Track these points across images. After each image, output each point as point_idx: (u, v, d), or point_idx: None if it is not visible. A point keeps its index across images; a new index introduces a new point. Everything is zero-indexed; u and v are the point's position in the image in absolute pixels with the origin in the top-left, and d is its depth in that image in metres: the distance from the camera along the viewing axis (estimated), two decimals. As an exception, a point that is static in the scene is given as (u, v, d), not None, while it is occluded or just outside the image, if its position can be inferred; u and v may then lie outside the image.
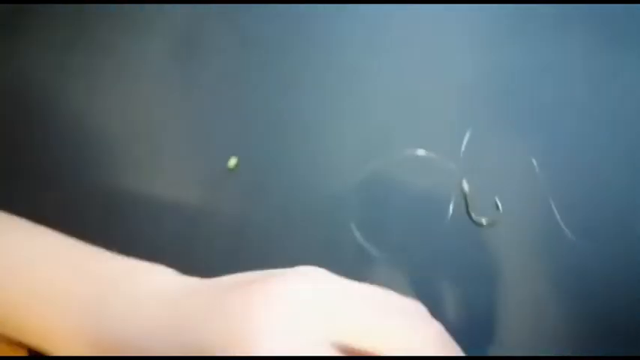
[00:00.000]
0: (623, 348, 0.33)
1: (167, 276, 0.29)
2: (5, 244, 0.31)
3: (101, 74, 0.43)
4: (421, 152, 0.39)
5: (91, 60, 0.43)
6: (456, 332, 0.25)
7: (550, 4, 0.42)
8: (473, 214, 0.37)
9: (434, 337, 0.24)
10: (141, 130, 0.41)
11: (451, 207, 0.37)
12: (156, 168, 0.40)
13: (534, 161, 0.37)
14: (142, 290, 0.28)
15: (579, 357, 0.34)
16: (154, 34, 0.44)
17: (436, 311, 0.27)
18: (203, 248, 0.38)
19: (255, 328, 0.23)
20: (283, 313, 0.24)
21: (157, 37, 0.44)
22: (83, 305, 0.28)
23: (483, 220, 0.37)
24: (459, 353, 0.25)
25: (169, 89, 0.42)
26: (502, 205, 0.37)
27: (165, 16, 0.44)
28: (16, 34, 0.45)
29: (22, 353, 0.32)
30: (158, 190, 0.39)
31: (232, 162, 0.39)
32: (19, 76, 0.43)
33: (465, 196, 0.37)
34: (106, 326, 0.27)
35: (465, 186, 0.37)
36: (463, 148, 0.38)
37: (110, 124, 0.41)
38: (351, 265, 0.36)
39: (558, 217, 0.36)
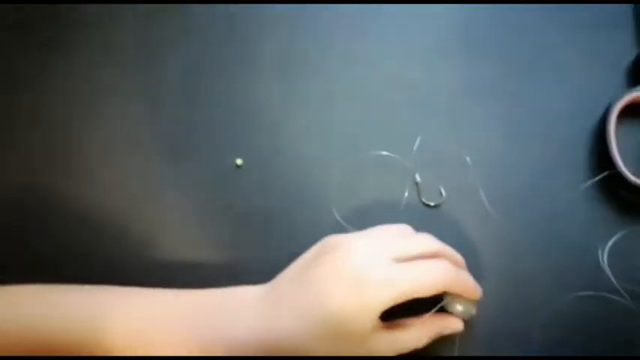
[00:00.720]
0: (532, 299, 0.45)
1: (249, 291, 0.39)
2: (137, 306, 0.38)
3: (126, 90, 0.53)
4: (384, 153, 0.50)
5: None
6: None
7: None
8: (424, 199, 0.48)
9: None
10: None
11: (406, 194, 0.49)
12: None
13: (468, 159, 0.49)
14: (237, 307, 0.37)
15: (579, 357, 0.43)
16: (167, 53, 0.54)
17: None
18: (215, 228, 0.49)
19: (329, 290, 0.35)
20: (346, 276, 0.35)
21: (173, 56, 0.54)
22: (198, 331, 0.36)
23: (431, 203, 0.48)
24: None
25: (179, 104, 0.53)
26: (445, 192, 0.48)
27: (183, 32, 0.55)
28: None
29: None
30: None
31: (239, 161, 0.50)
32: None
33: (417, 186, 0.49)
34: (218, 338, 0.36)
35: (418, 178, 0.49)
36: (415, 149, 0.49)
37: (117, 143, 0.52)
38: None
39: (485, 200, 0.47)
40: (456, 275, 0.37)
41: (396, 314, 0.38)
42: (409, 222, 0.46)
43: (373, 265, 0.35)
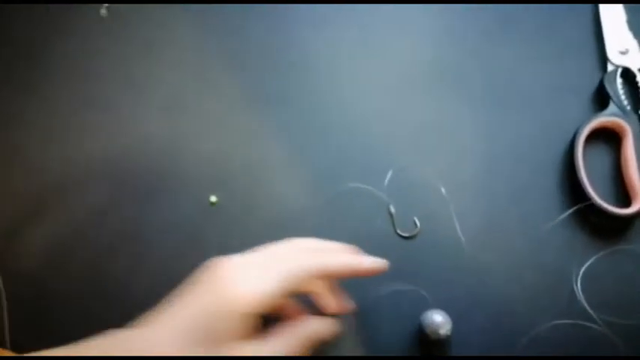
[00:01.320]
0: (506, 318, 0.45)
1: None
2: None
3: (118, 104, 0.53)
4: (358, 185, 0.50)
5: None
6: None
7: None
8: (398, 230, 0.49)
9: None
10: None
11: (379, 224, 0.49)
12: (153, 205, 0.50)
13: (443, 189, 0.50)
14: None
15: (579, 357, 0.43)
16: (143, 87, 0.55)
17: (370, 304, 0.39)
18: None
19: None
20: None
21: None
22: None
23: (406, 234, 0.49)
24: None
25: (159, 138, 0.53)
26: (420, 222, 0.49)
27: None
28: None
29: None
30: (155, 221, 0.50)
31: (213, 198, 0.50)
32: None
33: (392, 217, 0.49)
34: None
35: (392, 209, 0.49)
36: (387, 181, 0.50)
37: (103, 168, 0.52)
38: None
39: (459, 229, 0.48)
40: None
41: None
42: (384, 253, 0.46)
43: (240, 272, 0.35)
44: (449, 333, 0.43)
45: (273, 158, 0.52)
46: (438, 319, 0.43)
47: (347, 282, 0.43)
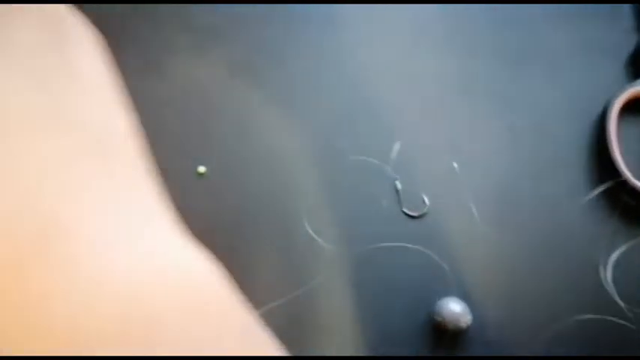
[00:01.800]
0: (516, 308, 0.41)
1: None
2: None
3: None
4: (362, 158, 0.45)
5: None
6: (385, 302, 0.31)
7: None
8: (405, 209, 0.43)
9: None
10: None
11: (385, 203, 0.44)
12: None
13: (455, 164, 0.44)
14: None
15: (579, 357, 0.39)
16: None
17: (377, 291, 0.34)
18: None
19: None
20: None
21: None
22: None
23: (413, 213, 0.43)
24: None
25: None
26: (429, 200, 0.44)
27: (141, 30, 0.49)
28: None
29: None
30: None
31: (201, 169, 0.45)
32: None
33: (398, 194, 0.44)
34: None
35: (399, 186, 0.44)
36: (395, 154, 0.44)
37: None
38: (302, 254, 0.42)
39: (474, 210, 0.43)
40: None
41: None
42: (389, 234, 0.41)
43: None
44: (469, 323, 0.38)
45: (269, 127, 0.46)
46: (457, 309, 0.39)
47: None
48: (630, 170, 0.42)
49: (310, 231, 0.43)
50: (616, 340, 0.39)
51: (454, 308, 0.39)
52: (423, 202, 0.44)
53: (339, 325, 0.41)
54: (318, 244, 0.42)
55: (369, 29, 0.48)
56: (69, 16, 0.24)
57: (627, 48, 0.47)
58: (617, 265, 0.40)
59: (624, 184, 0.41)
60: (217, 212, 0.44)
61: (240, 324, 0.22)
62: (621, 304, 0.39)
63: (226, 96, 0.46)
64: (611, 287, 0.40)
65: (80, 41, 0.23)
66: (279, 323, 0.32)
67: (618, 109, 0.44)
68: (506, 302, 0.41)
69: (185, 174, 0.44)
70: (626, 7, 0.48)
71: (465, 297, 0.40)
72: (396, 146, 0.44)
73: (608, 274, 0.40)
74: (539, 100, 0.46)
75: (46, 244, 0.18)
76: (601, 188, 0.42)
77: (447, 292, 0.41)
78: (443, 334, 0.40)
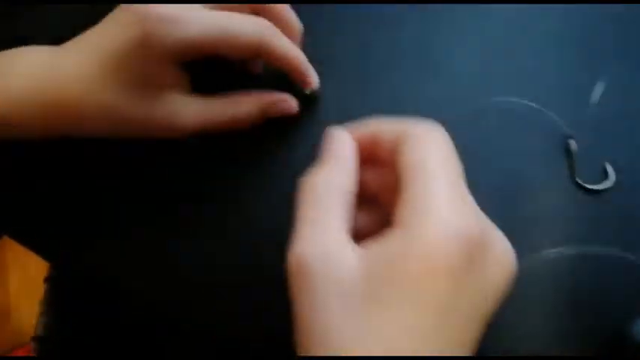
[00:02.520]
0: None
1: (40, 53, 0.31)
2: None
3: None
4: (520, 101, 0.33)
5: None
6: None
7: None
8: (579, 180, 0.32)
9: None
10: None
11: (551, 165, 0.32)
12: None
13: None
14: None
15: (579, 357, 0.31)
16: None
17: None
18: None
19: None
20: None
21: None
22: None
23: (592, 187, 0.32)
24: None
25: None
26: (614, 171, 0.32)
27: None
28: None
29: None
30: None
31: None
32: None
33: (571, 158, 0.32)
34: None
35: (573, 146, 0.32)
36: (595, 100, 0.33)
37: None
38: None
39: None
40: (274, 35, 0.31)
41: None
42: (556, 209, 0.30)
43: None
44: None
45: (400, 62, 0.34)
46: None
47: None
48: None
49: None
50: None
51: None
52: (605, 172, 0.32)
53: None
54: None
55: None
56: None
57: None
58: None
59: None
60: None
61: None
62: None
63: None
64: None
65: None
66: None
67: None
68: None
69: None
70: None
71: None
72: (598, 87, 0.32)
73: None
74: None
75: None
76: None
77: None
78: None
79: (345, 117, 0.30)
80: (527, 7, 0.36)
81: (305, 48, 0.32)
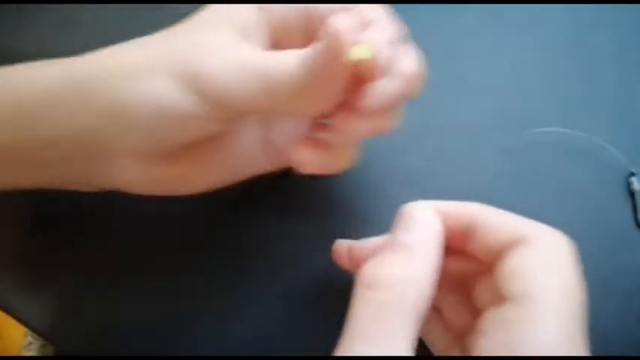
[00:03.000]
0: None
1: None
2: None
3: None
4: (567, 132, 0.29)
5: None
6: None
7: None
8: (644, 223, 0.28)
9: None
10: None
11: (610, 206, 0.28)
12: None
13: None
14: None
15: (580, 357, 0.26)
16: None
17: None
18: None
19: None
20: None
21: None
22: None
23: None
24: None
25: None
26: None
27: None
28: None
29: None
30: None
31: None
32: None
33: (633, 197, 0.28)
34: None
35: (636, 184, 0.28)
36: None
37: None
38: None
39: None
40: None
41: None
42: (616, 257, 0.26)
43: None
44: None
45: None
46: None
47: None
48: None
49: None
50: None
51: None
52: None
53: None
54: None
55: None
56: None
57: None
58: None
59: None
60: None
61: None
62: None
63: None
64: None
65: None
66: None
67: None
68: None
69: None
70: None
71: None
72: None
73: None
74: None
75: None
76: None
77: None
78: None
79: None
80: (577, 17, 0.31)
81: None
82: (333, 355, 0.18)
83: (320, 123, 0.25)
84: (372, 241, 0.23)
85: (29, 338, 0.90)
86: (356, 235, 0.25)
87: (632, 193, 0.28)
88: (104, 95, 0.21)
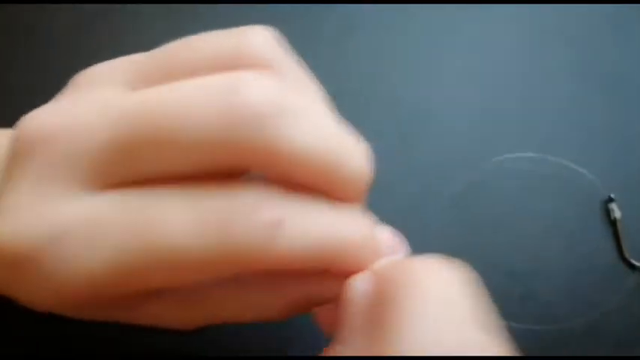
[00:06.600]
0: None
1: None
2: None
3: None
4: (535, 157, 0.26)
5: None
6: None
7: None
8: (628, 255, 0.24)
9: None
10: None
11: (591, 238, 0.24)
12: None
13: None
14: None
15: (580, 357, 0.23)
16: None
17: None
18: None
19: None
20: None
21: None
22: None
23: (647, 266, 0.24)
24: None
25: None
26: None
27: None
28: None
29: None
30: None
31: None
32: None
33: (616, 226, 0.25)
34: None
35: (616, 212, 0.25)
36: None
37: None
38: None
39: None
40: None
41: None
42: (601, 294, 0.22)
43: None
44: None
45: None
46: None
47: None
48: None
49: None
50: None
51: None
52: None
53: None
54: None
55: None
56: None
57: None
58: None
59: None
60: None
61: None
62: None
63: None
64: None
65: None
66: None
67: None
68: None
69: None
70: None
71: None
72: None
73: None
74: None
75: None
76: None
77: None
78: None
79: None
80: (534, 31, 0.29)
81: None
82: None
83: None
84: None
85: None
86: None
87: (613, 222, 0.25)
88: None
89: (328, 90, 0.17)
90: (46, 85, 0.18)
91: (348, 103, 0.19)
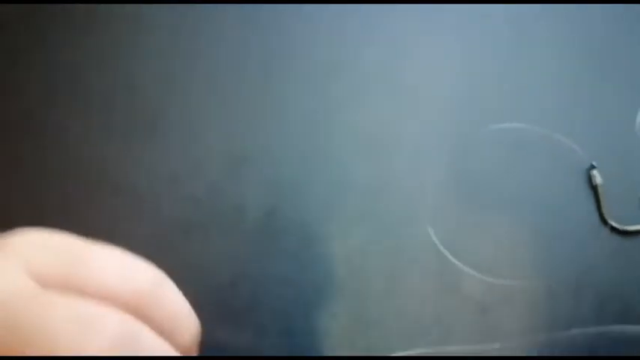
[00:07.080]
0: None
1: None
2: None
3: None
4: (522, 127, 0.28)
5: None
6: None
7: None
8: (609, 218, 0.26)
9: None
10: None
11: (573, 202, 0.26)
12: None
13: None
14: None
15: (580, 357, 0.25)
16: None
17: None
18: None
19: None
20: None
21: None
22: None
23: (625, 228, 0.26)
24: None
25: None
26: (652, 207, 0.26)
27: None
28: None
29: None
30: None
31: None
32: None
33: (597, 191, 0.26)
34: None
35: (598, 178, 0.27)
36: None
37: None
38: (432, 280, 0.25)
39: None
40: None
41: None
42: (582, 260, 0.24)
43: None
44: None
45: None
46: None
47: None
48: None
49: (436, 240, 0.25)
50: None
51: None
52: (641, 208, 0.26)
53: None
54: (444, 259, 0.25)
55: None
56: None
57: None
58: None
59: None
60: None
61: None
62: None
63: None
64: None
65: None
66: None
67: None
68: None
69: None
70: None
71: None
72: None
73: None
74: None
75: None
76: None
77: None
78: None
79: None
80: (523, 5, 0.30)
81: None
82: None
83: None
84: None
85: None
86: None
87: (594, 187, 0.26)
88: None
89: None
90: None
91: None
